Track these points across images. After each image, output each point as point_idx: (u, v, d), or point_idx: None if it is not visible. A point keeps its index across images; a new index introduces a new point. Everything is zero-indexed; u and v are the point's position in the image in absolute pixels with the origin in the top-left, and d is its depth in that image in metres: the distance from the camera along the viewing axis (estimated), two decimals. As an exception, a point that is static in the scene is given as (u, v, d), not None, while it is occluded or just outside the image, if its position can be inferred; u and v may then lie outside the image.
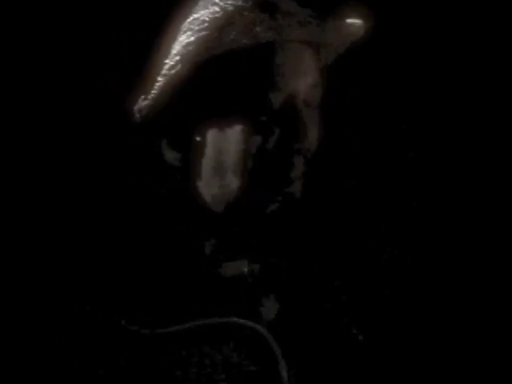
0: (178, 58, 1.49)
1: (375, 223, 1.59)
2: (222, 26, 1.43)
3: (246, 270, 1.41)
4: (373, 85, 1.65)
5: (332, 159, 1.61)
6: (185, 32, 1.48)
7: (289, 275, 1.44)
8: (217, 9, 1.42)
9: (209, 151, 1.47)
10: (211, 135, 1.47)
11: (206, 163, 1.47)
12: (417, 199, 1.61)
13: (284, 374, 1.33)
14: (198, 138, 1.45)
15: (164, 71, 1.52)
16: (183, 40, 1.47)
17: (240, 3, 1.42)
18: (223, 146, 1.46)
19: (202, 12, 1.45)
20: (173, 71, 1.50)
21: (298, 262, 1.46)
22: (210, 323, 1.35)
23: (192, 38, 1.46)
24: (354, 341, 1.42)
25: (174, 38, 1.51)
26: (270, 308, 1.39)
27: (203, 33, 1.44)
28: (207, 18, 1.43)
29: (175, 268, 1.41)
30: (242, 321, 1.36)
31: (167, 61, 1.50)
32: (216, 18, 1.43)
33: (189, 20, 1.48)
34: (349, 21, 1.55)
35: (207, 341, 1.35)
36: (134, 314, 1.37)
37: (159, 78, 1.52)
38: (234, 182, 1.45)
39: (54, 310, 1.41)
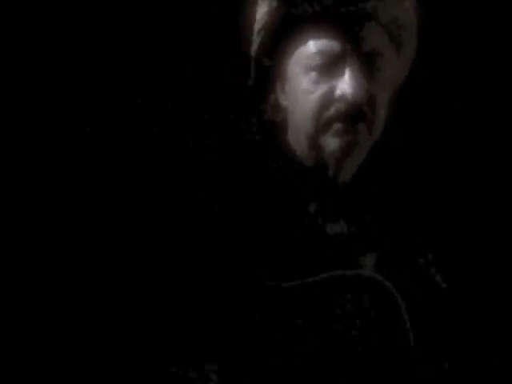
0: None
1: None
2: None
3: (346, 230, 1.48)
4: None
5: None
6: None
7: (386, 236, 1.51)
8: None
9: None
10: None
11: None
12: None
13: (407, 320, 1.39)
14: None
15: None
16: None
17: None
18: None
19: None
20: None
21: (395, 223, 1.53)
22: (334, 275, 1.40)
23: None
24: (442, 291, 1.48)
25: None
26: (367, 264, 1.45)
27: None
28: None
29: (284, 226, 1.46)
30: (366, 273, 1.42)
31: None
32: None
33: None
34: None
35: (334, 292, 1.40)
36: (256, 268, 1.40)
37: None
38: None
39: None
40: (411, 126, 1.75)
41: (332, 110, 1.46)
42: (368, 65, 1.47)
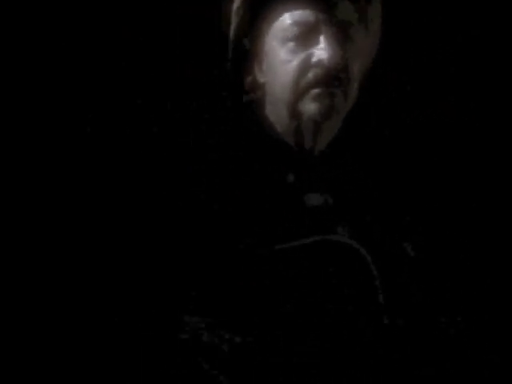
0: None
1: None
2: None
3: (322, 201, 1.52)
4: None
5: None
6: None
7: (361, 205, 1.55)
8: None
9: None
10: None
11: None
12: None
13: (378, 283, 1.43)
14: None
15: None
16: None
17: None
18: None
19: None
20: None
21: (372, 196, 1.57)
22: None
23: None
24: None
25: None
26: (343, 232, 1.48)
27: None
28: None
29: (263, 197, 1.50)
30: (347, 240, 1.45)
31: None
32: None
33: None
34: None
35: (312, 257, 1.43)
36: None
37: None
38: None
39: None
40: (387, 101, 1.78)
41: (310, 76, 1.50)
42: (341, 33, 1.51)
